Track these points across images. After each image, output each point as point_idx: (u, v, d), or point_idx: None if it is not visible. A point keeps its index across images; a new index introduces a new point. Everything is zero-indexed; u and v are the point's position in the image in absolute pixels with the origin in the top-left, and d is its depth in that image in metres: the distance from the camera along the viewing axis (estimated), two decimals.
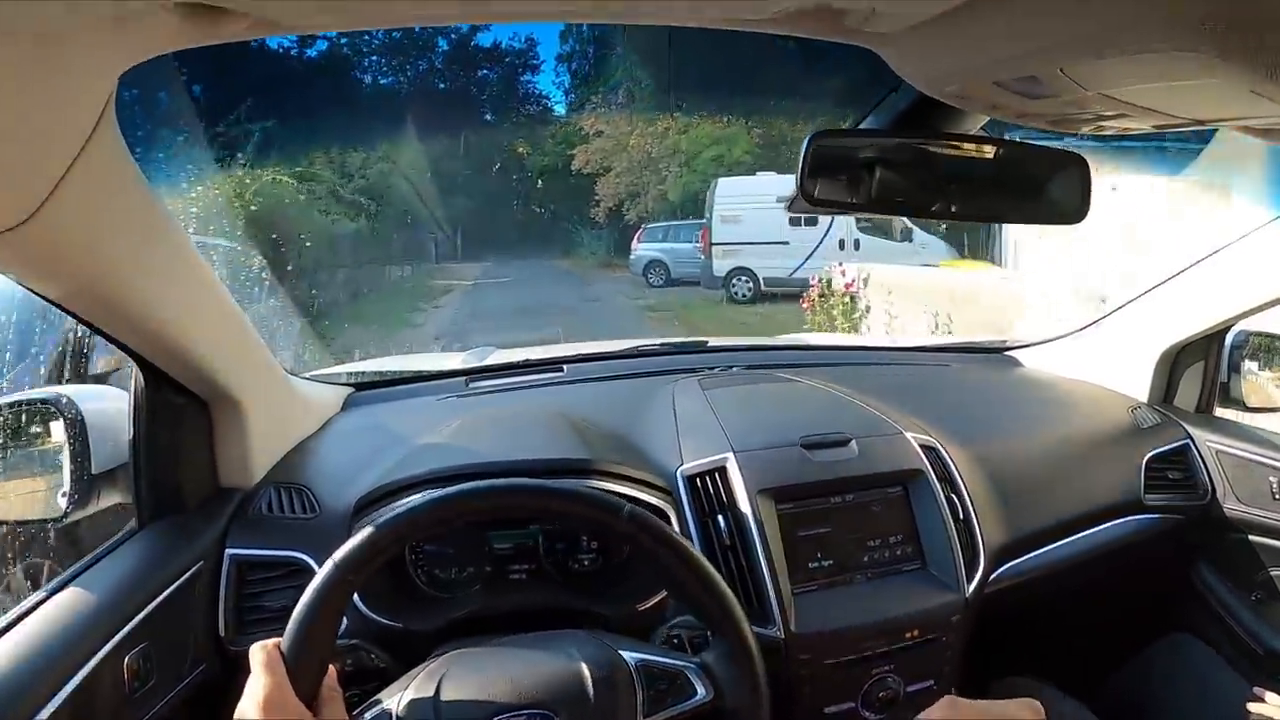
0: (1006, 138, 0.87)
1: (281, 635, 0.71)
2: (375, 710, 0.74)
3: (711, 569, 0.82)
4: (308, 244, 10.14)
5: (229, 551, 1.02)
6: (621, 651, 0.80)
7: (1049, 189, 0.89)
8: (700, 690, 0.78)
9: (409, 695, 0.75)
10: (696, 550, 0.83)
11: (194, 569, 0.97)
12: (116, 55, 0.57)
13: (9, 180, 0.59)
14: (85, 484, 0.99)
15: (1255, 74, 0.50)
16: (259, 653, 0.69)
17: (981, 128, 0.86)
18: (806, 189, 0.81)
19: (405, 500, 0.82)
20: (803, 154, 0.80)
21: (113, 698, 0.82)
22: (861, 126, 0.87)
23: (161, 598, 0.91)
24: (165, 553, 0.97)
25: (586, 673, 0.77)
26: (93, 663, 0.80)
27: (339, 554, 0.73)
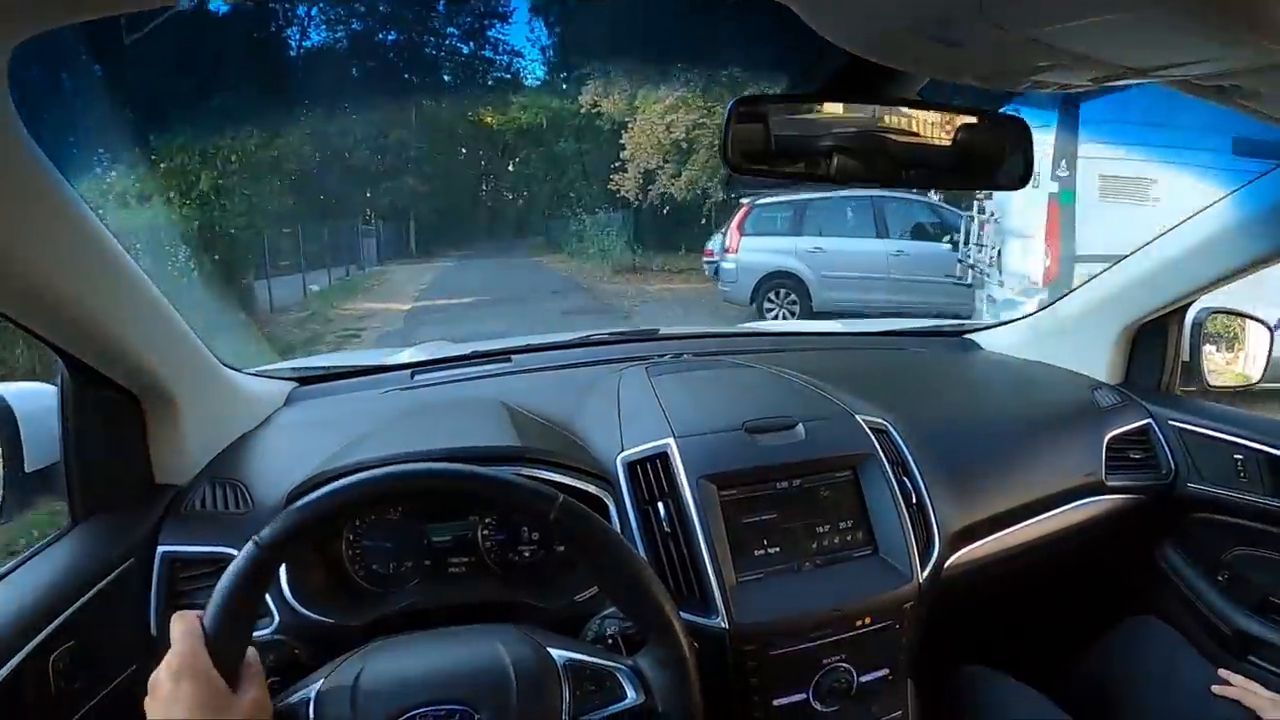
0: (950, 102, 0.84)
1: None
2: (295, 698, 0.73)
3: (646, 567, 0.79)
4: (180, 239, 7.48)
5: (160, 549, 1.00)
6: (551, 649, 0.78)
7: (993, 156, 0.86)
8: (630, 693, 0.76)
9: (327, 684, 0.74)
10: (631, 548, 0.80)
11: (124, 567, 0.95)
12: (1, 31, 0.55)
13: None
14: (18, 482, 0.98)
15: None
16: (179, 622, 0.68)
17: (920, 91, 0.83)
18: (732, 158, 0.78)
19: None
20: (725, 121, 0.77)
21: (38, 698, 0.81)
22: (795, 92, 0.84)
23: (89, 596, 0.89)
24: (95, 550, 0.95)
25: (511, 670, 0.75)
26: (13, 663, 0.78)
27: (262, 533, 0.71)
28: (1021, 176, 0.86)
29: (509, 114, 16.48)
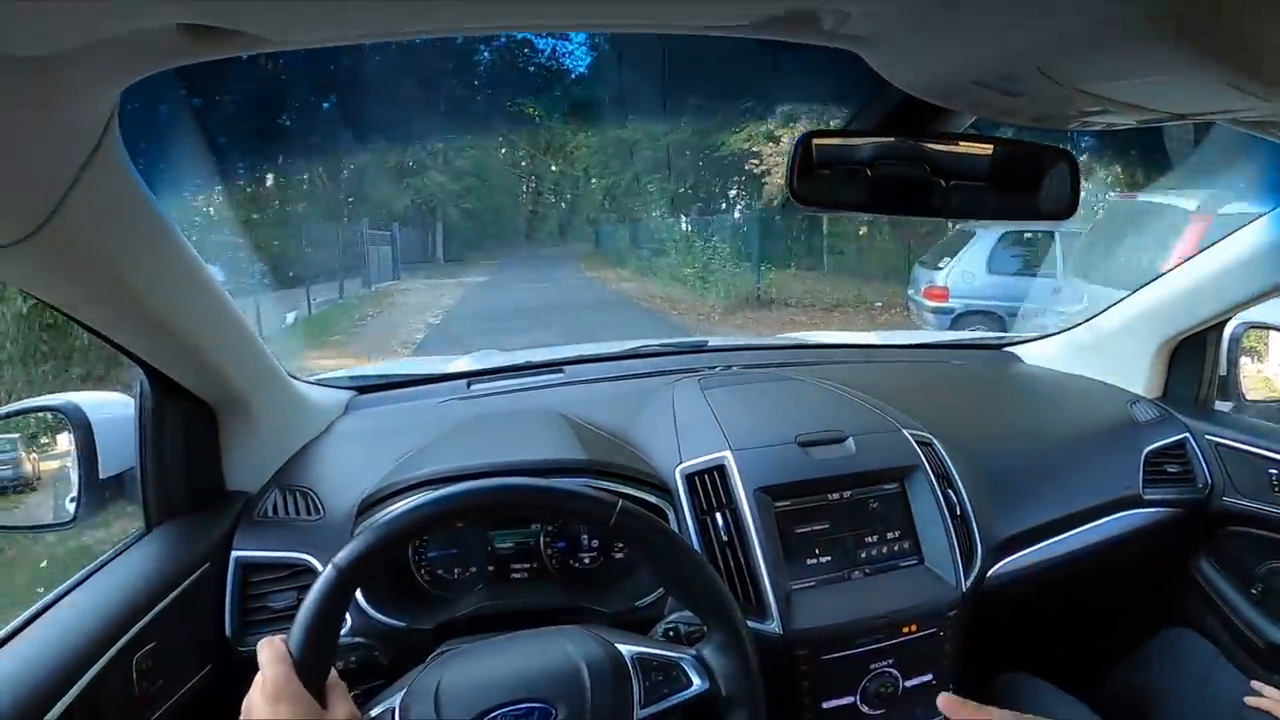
0: (997, 134, 0.88)
1: (287, 634, 0.73)
2: (379, 709, 0.76)
3: (704, 561, 0.84)
4: None
5: (234, 554, 1.04)
6: (618, 645, 0.82)
7: (1039, 186, 0.90)
8: (696, 681, 0.80)
9: (411, 692, 0.77)
10: (688, 543, 0.85)
11: (200, 571, 0.99)
12: (118, 72, 0.58)
13: (13, 195, 0.61)
14: (93, 489, 1.01)
15: (1231, 68, 0.51)
16: (266, 648, 0.71)
17: (971, 125, 0.87)
18: (797, 188, 0.82)
19: (404, 501, 0.84)
20: (792, 153, 0.81)
21: (121, 698, 0.84)
22: (851, 126, 0.88)
23: (168, 599, 0.92)
24: (172, 555, 0.99)
25: (583, 666, 0.78)
26: (101, 663, 0.81)
27: (339, 556, 0.74)
28: (1067, 207, 0.90)
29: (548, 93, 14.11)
